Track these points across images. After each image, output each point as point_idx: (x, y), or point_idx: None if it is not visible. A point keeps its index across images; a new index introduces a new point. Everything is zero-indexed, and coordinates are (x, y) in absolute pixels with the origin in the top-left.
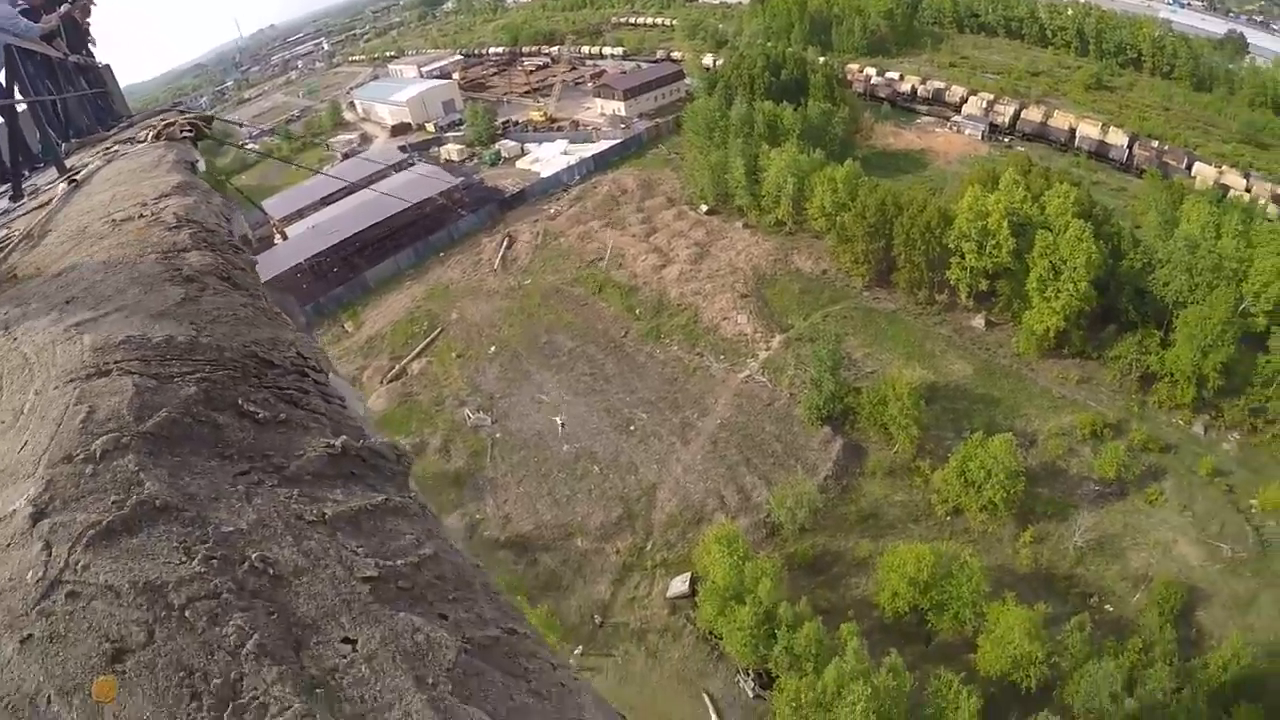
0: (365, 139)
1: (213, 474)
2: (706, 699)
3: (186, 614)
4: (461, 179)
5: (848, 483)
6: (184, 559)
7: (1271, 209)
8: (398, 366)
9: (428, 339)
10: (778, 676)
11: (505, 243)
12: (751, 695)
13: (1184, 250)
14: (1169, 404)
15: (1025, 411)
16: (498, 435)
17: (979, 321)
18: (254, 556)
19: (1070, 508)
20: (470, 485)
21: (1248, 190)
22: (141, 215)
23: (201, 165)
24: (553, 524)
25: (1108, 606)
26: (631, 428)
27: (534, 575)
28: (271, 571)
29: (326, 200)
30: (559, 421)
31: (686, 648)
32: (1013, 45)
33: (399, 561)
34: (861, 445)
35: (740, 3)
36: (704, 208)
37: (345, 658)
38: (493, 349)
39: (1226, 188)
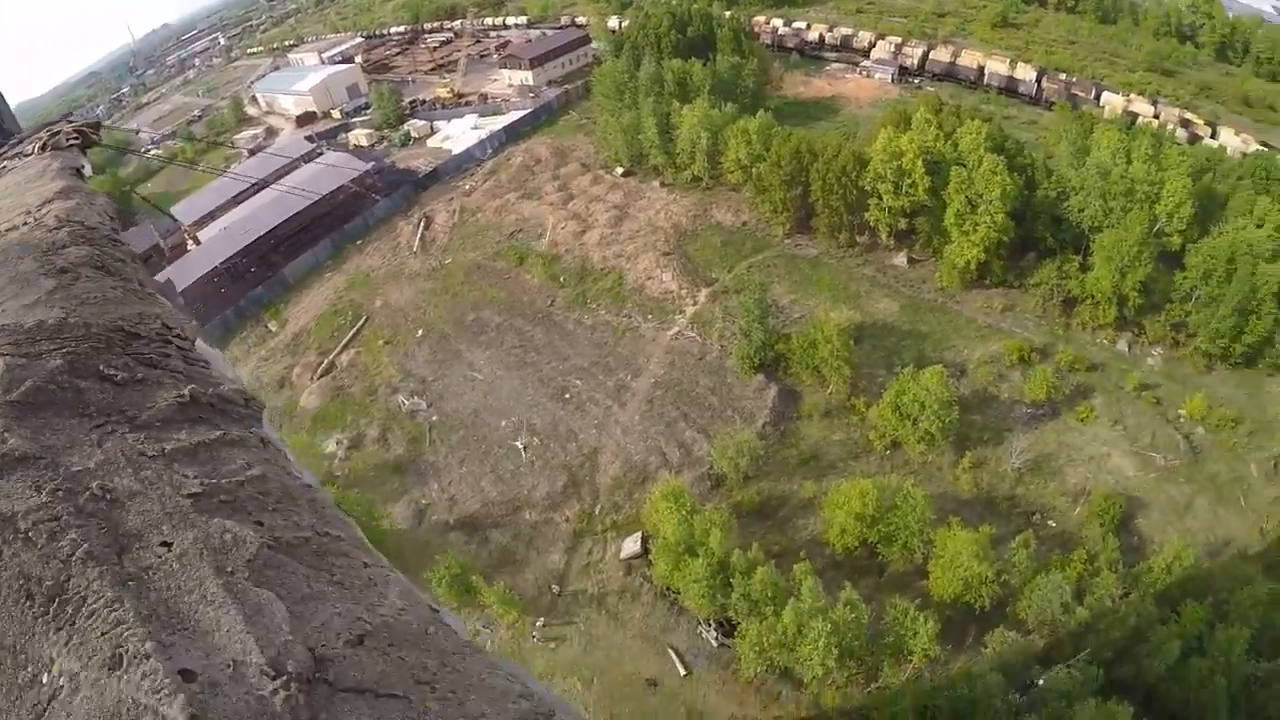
0: (271, 132)
1: (72, 429)
2: (672, 654)
3: (30, 534)
4: (372, 164)
5: (786, 427)
6: (34, 494)
7: (1180, 133)
8: (326, 361)
9: (354, 329)
10: (739, 623)
11: (422, 224)
12: (715, 644)
13: (1097, 177)
14: (1092, 325)
15: (953, 343)
16: (435, 418)
17: (901, 259)
18: (95, 486)
19: (1005, 432)
20: (413, 471)
21: (1156, 116)
22: (25, 223)
23: (88, 170)
24: (499, 500)
25: (1050, 523)
26: (567, 395)
27: (487, 553)
28: (109, 497)
29: (237, 199)
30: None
31: (646, 606)
32: None
33: (224, 480)
34: (796, 390)
35: None
36: (619, 170)
37: (160, 557)
38: (420, 332)
39: (1135, 115)
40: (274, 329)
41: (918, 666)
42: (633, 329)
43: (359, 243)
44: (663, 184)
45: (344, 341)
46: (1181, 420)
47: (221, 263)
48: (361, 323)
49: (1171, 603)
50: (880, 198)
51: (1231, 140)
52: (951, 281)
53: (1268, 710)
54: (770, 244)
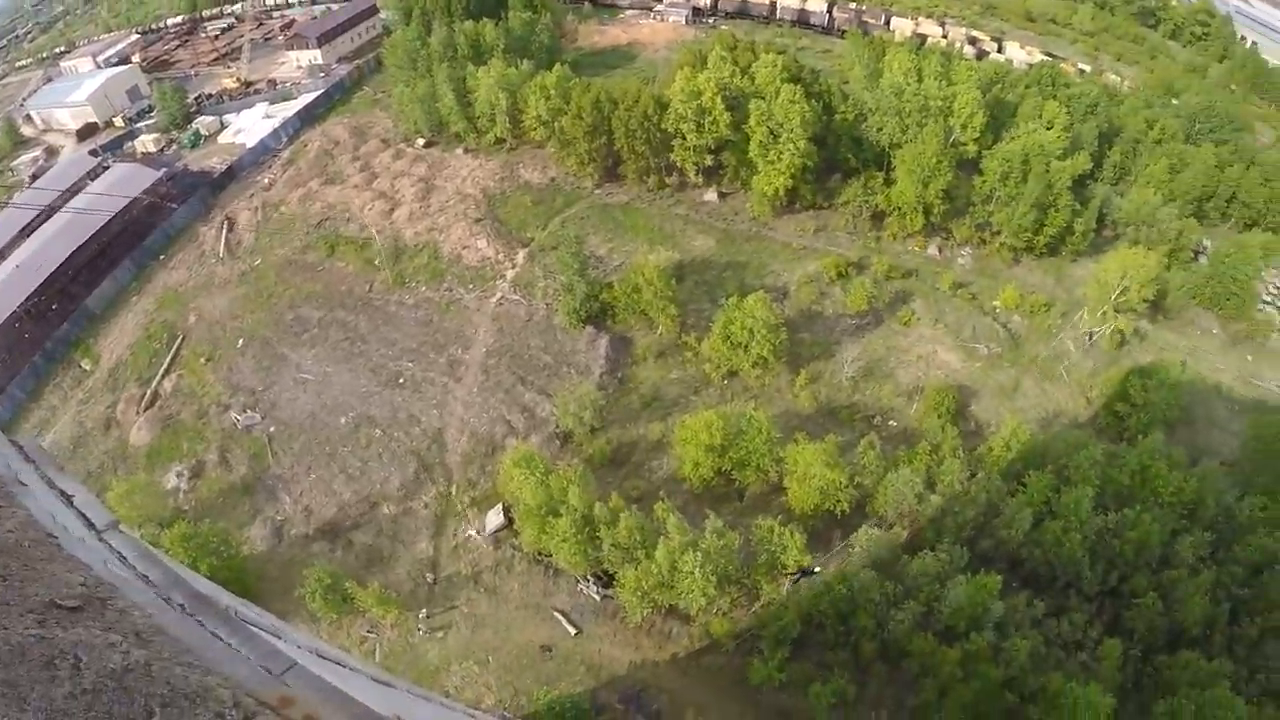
0: (52, 152)
1: None
2: (558, 616)
3: None
4: (164, 170)
5: (623, 374)
6: None
7: (968, 50)
8: (149, 391)
9: (171, 352)
10: (616, 573)
11: (225, 227)
12: (598, 598)
13: (891, 97)
14: (902, 234)
15: (772, 268)
16: (272, 430)
17: (712, 195)
18: None
19: (834, 345)
20: (261, 489)
21: (944, 36)
22: None
23: None
24: (354, 501)
25: (891, 422)
26: (401, 380)
27: (354, 557)
28: None
29: (26, 231)
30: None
31: (522, 575)
32: None
33: None
34: (627, 336)
35: None
36: (421, 142)
37: None
38: (240, 342)
39: (924, 36)
40: (88, 367)
41: (793, 578)
42: (456, 301)
43: (162, 257)
44: (466, 150)
45: (164, 366)
46: (998, 311)
47: (20, 306)
48: (179, 343)
49: (1016, 476)
50: (684, 138)
51: (1017, 53)
52: (763, 210)
53: (1123, 554)
54: (581, 196)
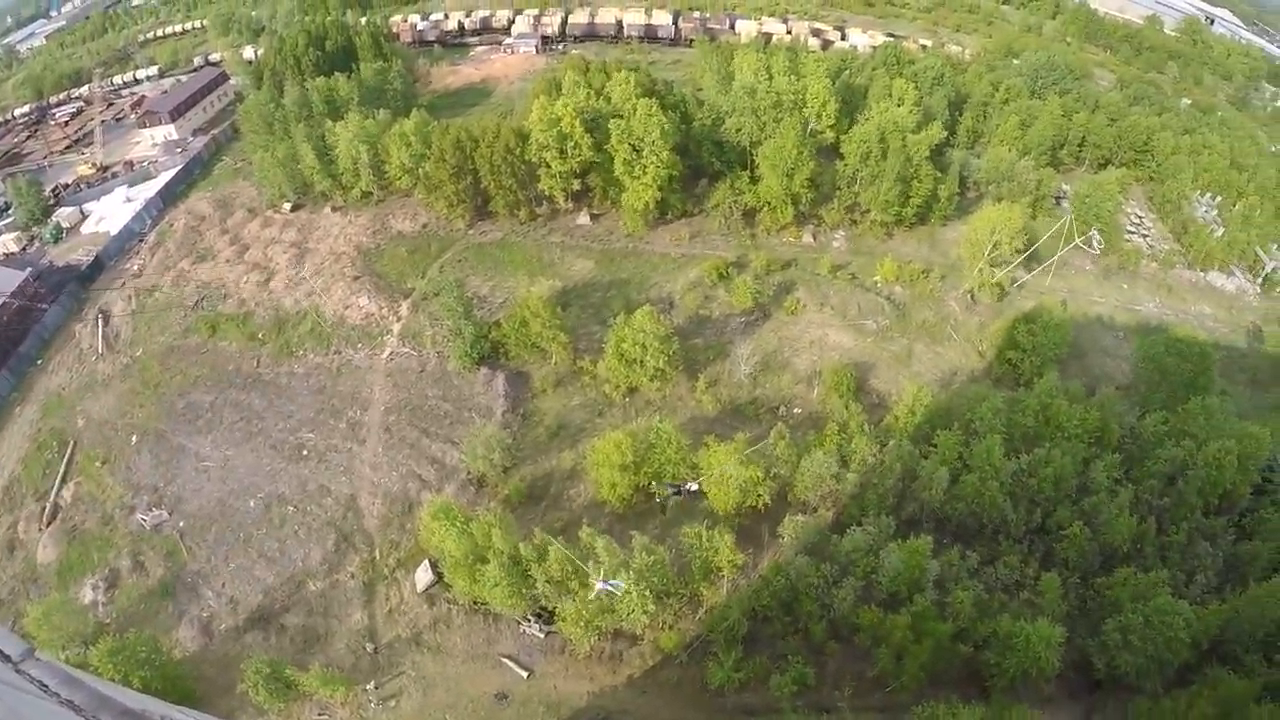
0: None
1: None
2: (506, 661)
3: None
4: (29, 270)
5: (525, 409)
6: None
7: (813, 42)
8: (48, 504)
9: (65, 460)
10: (554, 608)
11: (100, 321)
12: (543, 635)
13: (745, 97)
14: (775, 228)
15: (655, 281)
16: (182, 525)
17: (584, 218)
18: None
19: (728, 345)
20: (181, 588)
21: (789, 32)
22: None
23: None
24: (279, 583)
25: (796, 410)
26: (304, 452)
27: (289, 640)
28: None
29: None
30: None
31: (462, 628)
32: None
33: None
34: (522, 370)
35: None
36: (288, 206)
37: None
38: (135, 439)
39: (770, 35)
40: None
41: (731, 578)
42: (347, 363)
43: (39, 362)
44: (334, 208)
45: (59, 476)
46: (879, 285)
47: None
48: (71, 449)
49: (926, 439)
50: (549, 166)
51: (860, 39)
52: (637, 226)
53: (1042, 492)
54: (455, 239)
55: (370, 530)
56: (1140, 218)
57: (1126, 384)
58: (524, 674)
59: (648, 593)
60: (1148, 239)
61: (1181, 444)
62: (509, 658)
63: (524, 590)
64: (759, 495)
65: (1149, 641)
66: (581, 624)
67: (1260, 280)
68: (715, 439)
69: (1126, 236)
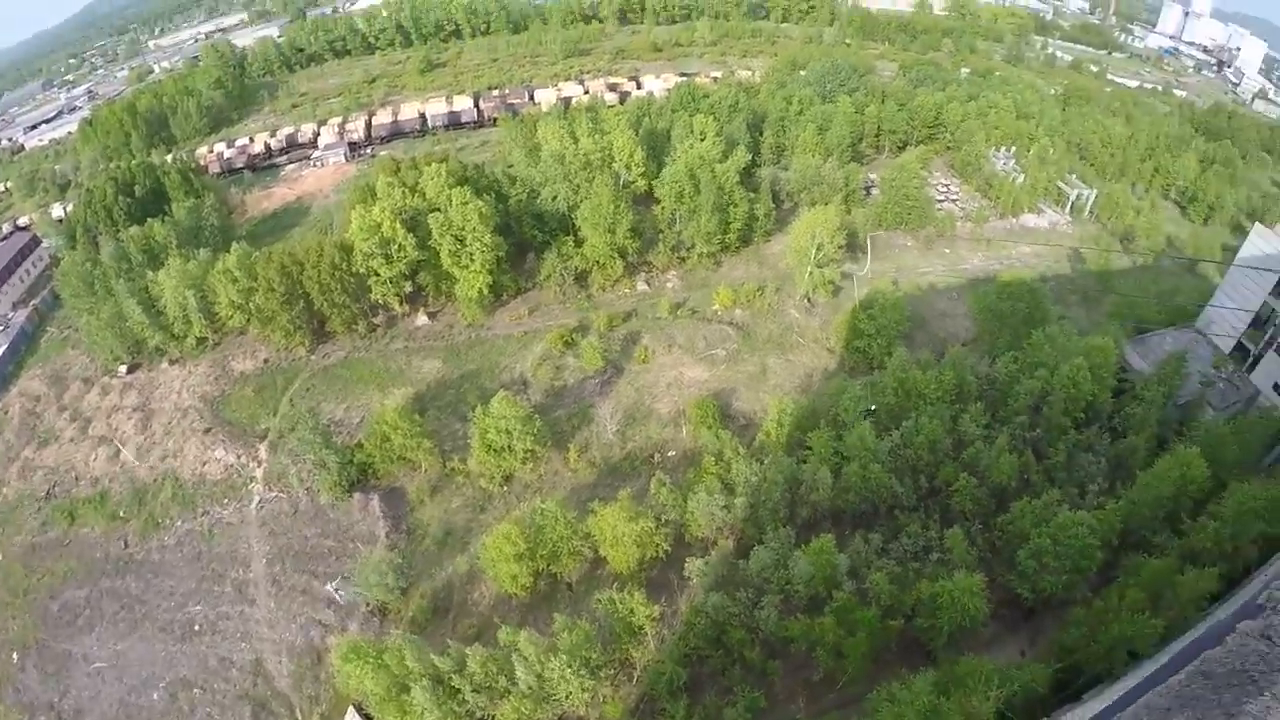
0: None
1: None
2: None
3: None
4: None
5: (407, 525)
6: None
7: (610, 97)
8: None
9: None
10: (494, 715)
11: None
12: None
13: (554, 164)
14: (608, 283)
15: (504, 364)
16: None
17: (422, 319)
18: None
19: (589, 408)
20: None
21: (586, 92)
22: None
23: None
24: None
25: (670, 453)
26: (196, 627)
27: None
28: None
29: None
30: None
31: None
32: (344, 64)
33: None
34: (395, 486)
35: (69, 135)
36: (124, 368)
37: None
38: (15, 655)
39: (569, 99)
40: None
41: (654, 633)
42: (217, 522)
43: None
44: (172, 362)
45: None
46: (719, 313)
47: None
48: None
49: (801, 444)
50: (377, 274)
51: (655, 84)
52: (475, 314)
53: (921, 458)
54: (299, 368)
55: (285, 691)
56: (947, 185)
57: (971, 338)
58: None
59: (582, 670)
60: (958, 203)
61: (1035, 375)
62: None
63: (455, 707)
64: (657, 545)
65: (1062, 558)
66: None
67: (1068, 209)
68: (600, 503)
69: (939, 205)
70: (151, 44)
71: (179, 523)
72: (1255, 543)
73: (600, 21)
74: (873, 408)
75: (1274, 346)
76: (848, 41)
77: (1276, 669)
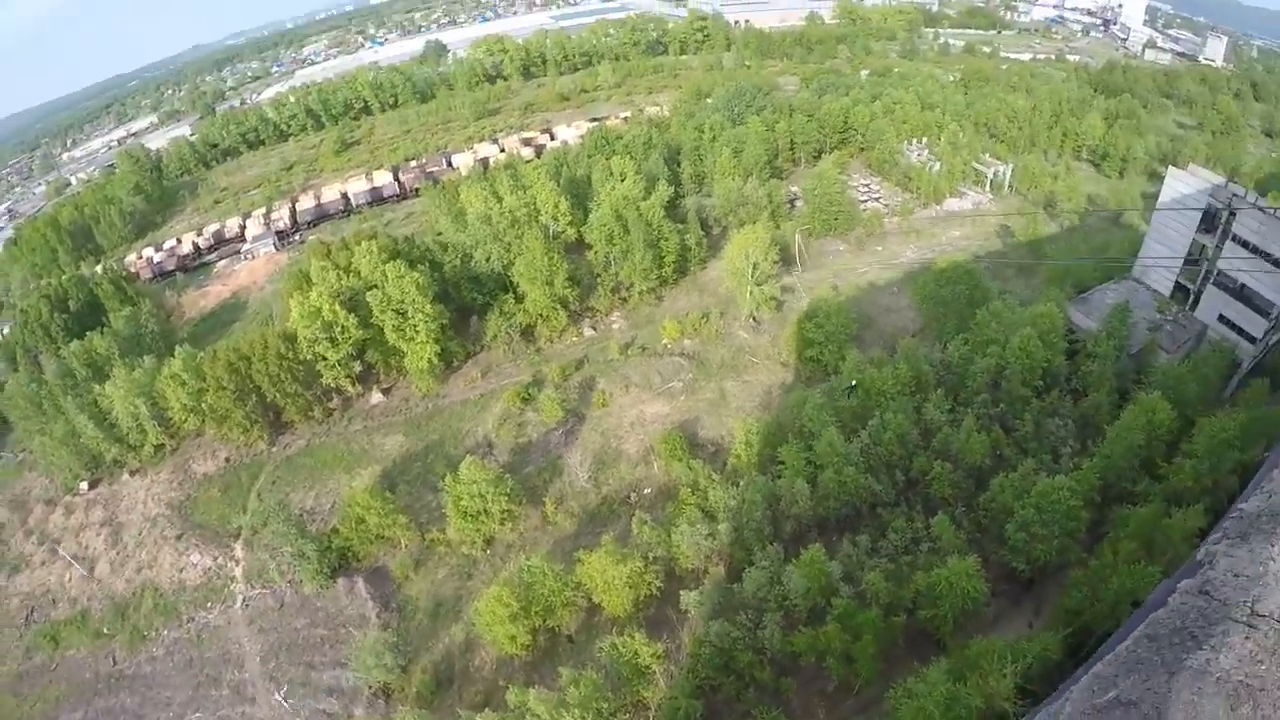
0: None
1: None
2: None
3: None
4: None
5: (396, 602)
6: None
7: (526, 151)
8: None
9: None
10: None
11: None
12: None
13: (482, 226)
14: (555, 334)
15: (466, 429)
16: None
17: (377, 396)
18: None
19: (558, 460)
20: None
21: (502, 150)
22: None
23: None
24: None
25: (645, 491)
26: None
27: None
28: None
29: None
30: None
31: None
32: (259, 154)
33: None
34: (379, 566)
35: None
36: (84, 485)
37: None
38: None
39: (487, 159)
40: None
41: (662, 670)
42: (204, 627)
43: None
44: (132, 473)
45: None
46: (669, 346)
47: None
48: None
49: (772, 460)
50: (324, 358)
51: (568, 132)
52: (428, 384)
53: (892, 455)
54: (262, 462)
55: None
56: (868, 185)
57: (919, 328)
58: None
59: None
60: (882, 200)
61: (988, 352)
62: None
63: None
64: (649, 583)
65: (1049, 524)
66: None
67: (988, 187)
68: (585, 551)
69: (864, 205)
70: (65, 156)
71: (165, 632)
72: (1234, 472)
73: (505, 79)
74: (853, 384)
75: (1210, 280)
76: (748, 64)
77: (1214, 621)
